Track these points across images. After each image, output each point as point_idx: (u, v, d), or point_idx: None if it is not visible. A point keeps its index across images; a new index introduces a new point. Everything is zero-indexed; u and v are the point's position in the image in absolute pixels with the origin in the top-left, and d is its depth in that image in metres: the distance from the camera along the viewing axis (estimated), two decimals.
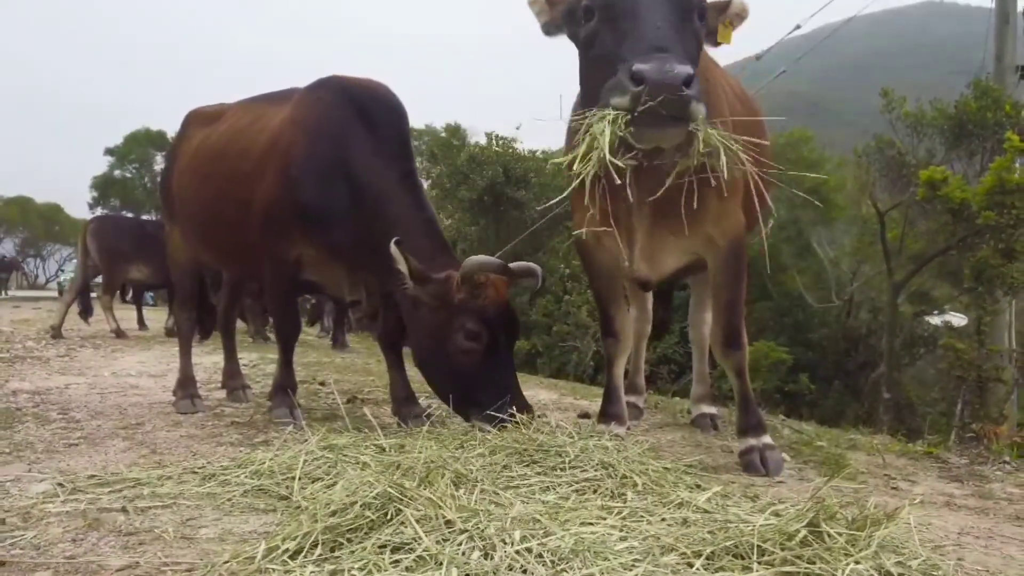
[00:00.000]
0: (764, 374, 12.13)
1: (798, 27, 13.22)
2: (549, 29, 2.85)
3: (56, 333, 9.40)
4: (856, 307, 15.14)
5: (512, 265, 3.41)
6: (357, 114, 3.62)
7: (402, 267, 3.22)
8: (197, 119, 4.41)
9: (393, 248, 3.21)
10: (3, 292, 31.79)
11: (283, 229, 3.60)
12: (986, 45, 11.96)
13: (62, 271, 42.99)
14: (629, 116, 2.31)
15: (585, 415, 4.39)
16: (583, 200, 3.14)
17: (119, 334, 9.99)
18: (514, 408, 3.11)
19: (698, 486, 2.54)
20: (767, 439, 3.09)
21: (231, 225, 3.84)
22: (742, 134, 3.28)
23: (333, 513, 1.98)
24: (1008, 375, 8.45)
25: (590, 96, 2.59)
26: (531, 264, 3.53)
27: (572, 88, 3.04)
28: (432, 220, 3.61)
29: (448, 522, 1.89)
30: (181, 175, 4.20)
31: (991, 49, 11.55)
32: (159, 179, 5.45)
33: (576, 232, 3.17)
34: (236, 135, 3.90)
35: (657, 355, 11.96)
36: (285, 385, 3.87)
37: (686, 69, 2.25)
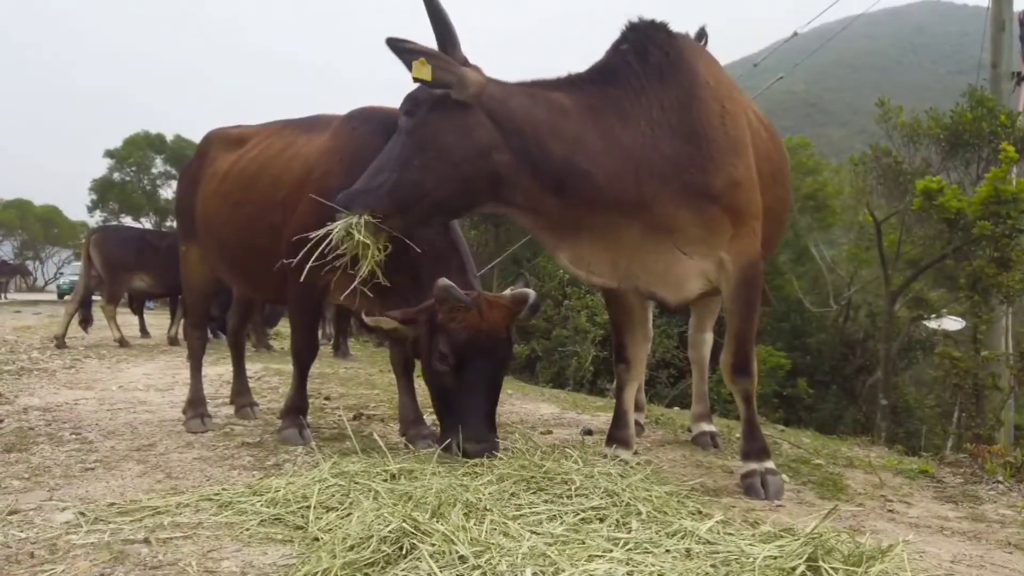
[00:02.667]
0: (762, 379, 12.23)
1: (795, 34, 13.31)
2: None
3: (60, 343, 9.49)
4: (853, 311, 15.24)
5: (513, 292, 3.50)
6: None
7: (400, 327, 3.35)
8: (219, 141, 4.43)
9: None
10: (3, 296, 31.82)
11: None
12: (983, 45, 12.05)
13: (61, 274, 43.00)
14: None
15: (588, 432, 4.48)
16: None
17: (122, 343, 10.07)
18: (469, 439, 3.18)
19: (700, 511, 2.62)
20: (769, 464, 3.17)
21: (260, 250, 3.87)
22: (769, 161, 3.40)
23: (350, 548, 2.06)
24: (1004, 381, 8.55)
25: None
26: (526, 291, 3.53)
27: None
28: (456, 243, 3.69)
29: (462, 557, 1.98)
30: (206, 199, 4.22)
31: (988, 51, 11.65)
32: (174, 198, 5.47)
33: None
34: (268, 161, 3.94)
35: (656, 359, 12.06)
36: (296, 406, 3.94)
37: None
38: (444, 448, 3.18)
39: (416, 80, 2.94)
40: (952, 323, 11.86)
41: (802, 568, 1.88)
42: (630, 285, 3.22)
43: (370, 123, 3.77)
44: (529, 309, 3.47)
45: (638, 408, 4.49)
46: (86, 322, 10.65)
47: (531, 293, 3.52)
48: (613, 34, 3.23)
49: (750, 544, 2.15)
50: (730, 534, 2.31)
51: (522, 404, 5.78)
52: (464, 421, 3.24)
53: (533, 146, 2.93)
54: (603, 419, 4.95)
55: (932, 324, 13.08)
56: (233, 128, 4.52)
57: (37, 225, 48.34)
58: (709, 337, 4.33)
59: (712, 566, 2.00)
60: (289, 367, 4.07)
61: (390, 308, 3.78)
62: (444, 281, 3.25)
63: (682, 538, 2.24)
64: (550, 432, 4.51)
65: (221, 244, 4.19)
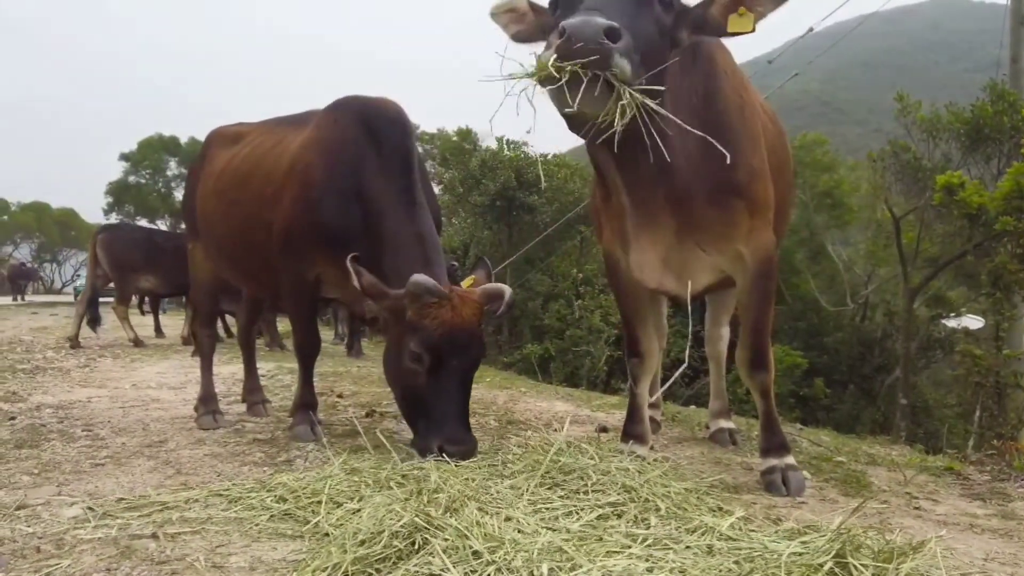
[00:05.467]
0: (779, 379, 12.07)
1: (811, 30, 13.17)
2: (526, 36, 2.81)
3: (74, 343, 9.52)
4: (871, 310, 15.05)
5: (484, 287, 3.36)
6: (367, 133, 3.66)
7: (355, 282, 3.17)
8: (219, 140, 4.46)
9: (348, 263, 3.19)
10: (21, 298, 32.14)
11: (303, 249, 3.63)
12: (1001, 41, 11.88)
13: (78, 276, 43.39)
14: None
15: (603, 429, 4.40)
16: (611, 211, 3.15)
17: (137, 342, 10.09)
18: (447, 443, 3.02)
19: (720, 508, 2.55)
20: (790, 459, 3.09)
21: (256, 247, 3.87)
22: (775, 153, 3.31)
23: (361, 543, 2.01)
24: None
25: None
26: (500, 286, 3.39)
27: None
28: (422, 235, 3.53)
29: (475, 553, 1.91)
30: (205, 198, 4.24)
31: (1006, 47, 11.48)
32: (181, 197, 5.49)
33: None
34: (260, 159, 3.95)
35: (670, 359, 11.96)
36: (305, 403, 3.91)
37: (610, 22, 2.17)
38: (422, 451, 3.04)
39: (733, 34, 2.48)
40: (972, 321, 11.68)
41: (830, 565, 1.81)
42: (663, 288, 3.15)
43: (348, 113, 3.75)
44: (505, 306, 3.33)
45: (654, 405, 4.40)
46: (94, 322, 10.55)
47: (506, 290, 3.36)
48: None
49: (774, 541, 2.08)
50: (752, 531, 2.25)
51: (536, 402, 5.71)
52: (441, 422, 3.09)
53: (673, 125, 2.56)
54: (618, 416, 4.87)
55: (952, 322, 12.90)
56: (232, 127, 4.56)
57: (54, 228, 48.81)
58: (726, 332, 4.24)
59: (736, 563, 1.93)
60: None
61: (359, 297, 3.67)
62: (419, 277, 3.09)
63: (703, 535, 2.17)
64: (565, 429, 4.43)
65: (219, 242, 4.20)
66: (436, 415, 3.12)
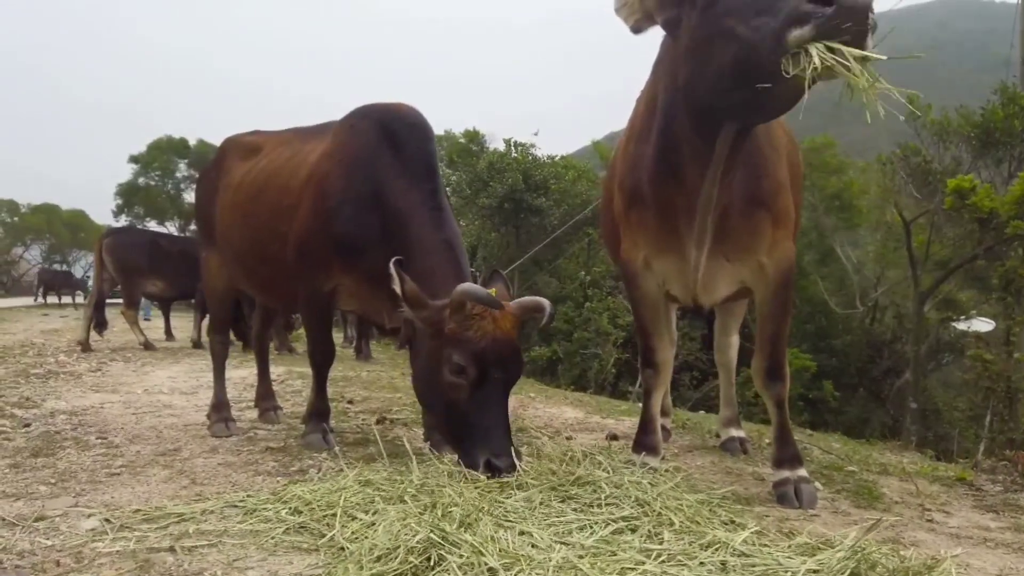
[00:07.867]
0: None
1: None
2: (641, 25, 2.79)
3: (85, 346, 9.57)
4: (880, 313, 14.99)
5: (519, 300, 3.29)
6: (386, 140, 3.63)
7: (397, 288, 3.09)
8: (235, 150, 4.45)
9: (392, 267, 3.10)
10: (42, 299, 32.33)
11: (320, 260, 3.63)
12: (1012, 42, 11.82)
13: (87, 277, 43.56)
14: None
15: (614, 437, 4.41)
16: (638, 219, 3.17)
17: (147, 346, 10.15)
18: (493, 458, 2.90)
19: (733, 521, 2.55)
20: (802, 471, 3.09)
21: (273, 259, 3.87)
22: (791, 165, 3.31)
23: (378, 559, 2.02)
24: None
25: (703, 68, 2.51)
26: (540, 300, 3.30)
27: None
28: (450, 241, 3.47)
29: (491, 569, 1.93)
30: (223, 209, 4.25)
31: (1016, 47, 11.42)
32: (195, 205, 5.46)
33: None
34: (277, 170, 3.95)
35: (679, 362, 11.96)
36: (318, 411, 3.92)
37: None
38: (471, 466, 2.92)
39: None
40: (982, 324, 11.63)
41: None
42: (688, 299, 3.20)
43: (365, 120, 3.74)
44: (548, 318, 3.28)
45: (664, 413, 4.41)
46: (100, 326, 10.56)
47: (545, 303, 3.28)
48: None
49: (788, 557, 2.09)
50: (765, 546, 2.24)
51: (545, 408, 5.72)
52: (487, 436, 2.98)
53: None
54: (628, 424, 4.88)
55: (962, 326, 12.84)
56: (248, 136, 4.53)
57: (64, 229, 49.04)
58: (735, 341, 4.25)
59: None
60: None
61: (378, 308, 3.65)
62: (468, 286, 3.02)
63: (716, 550, 2.18)
64: (574, 437, 4.45)
65: (237, 254, 4.21)
66: (481, 429, 3.00)
